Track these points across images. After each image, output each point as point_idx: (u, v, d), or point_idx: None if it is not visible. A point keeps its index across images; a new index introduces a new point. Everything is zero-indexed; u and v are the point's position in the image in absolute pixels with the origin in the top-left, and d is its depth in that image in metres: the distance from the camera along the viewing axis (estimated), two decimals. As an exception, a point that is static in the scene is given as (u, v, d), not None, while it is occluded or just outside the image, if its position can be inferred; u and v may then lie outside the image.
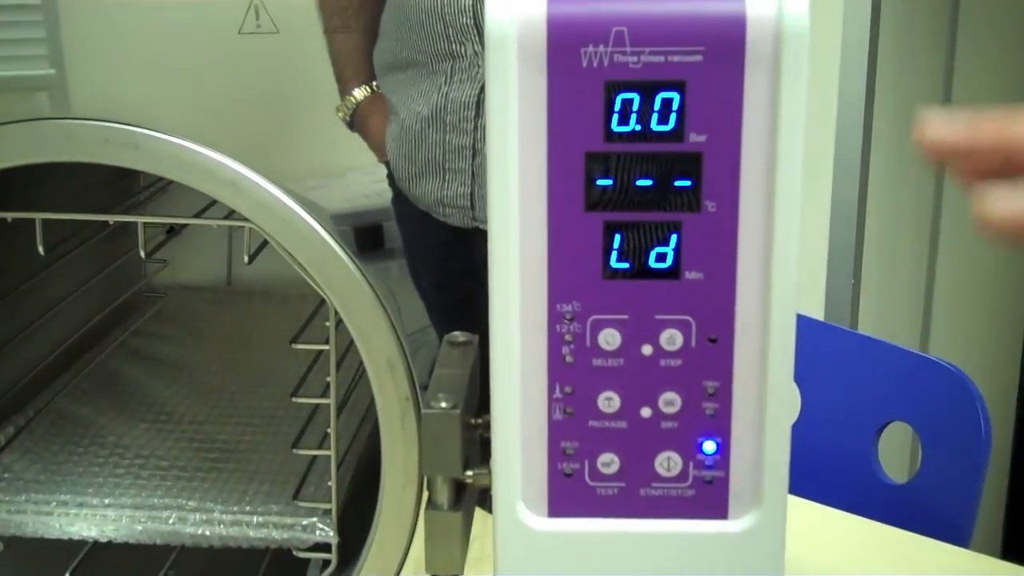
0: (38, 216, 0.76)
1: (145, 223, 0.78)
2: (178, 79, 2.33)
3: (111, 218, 0.79)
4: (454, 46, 1.35)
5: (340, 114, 1.61)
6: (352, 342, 0.73)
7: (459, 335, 0.71)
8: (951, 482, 1.28)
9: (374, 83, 1.57)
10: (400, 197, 1.54)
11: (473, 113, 1.36)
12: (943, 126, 0.46)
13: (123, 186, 1.08)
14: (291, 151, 2.34)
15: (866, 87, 1.97)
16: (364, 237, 2.04)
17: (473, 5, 1.33)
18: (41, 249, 0.76)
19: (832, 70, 1.92)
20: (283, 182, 0.71)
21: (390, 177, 1.55)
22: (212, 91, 2.32)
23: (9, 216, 0.77)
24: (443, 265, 1.56)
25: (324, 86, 1.63)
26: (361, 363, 0.75)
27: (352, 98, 1.59)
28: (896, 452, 2.04)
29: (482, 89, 1.41)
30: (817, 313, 2.01)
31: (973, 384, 1.26)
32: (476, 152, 1.38)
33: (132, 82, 2.36)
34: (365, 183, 2.06)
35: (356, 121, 1.60)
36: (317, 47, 1.62)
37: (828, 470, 1.30)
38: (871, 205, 2.08)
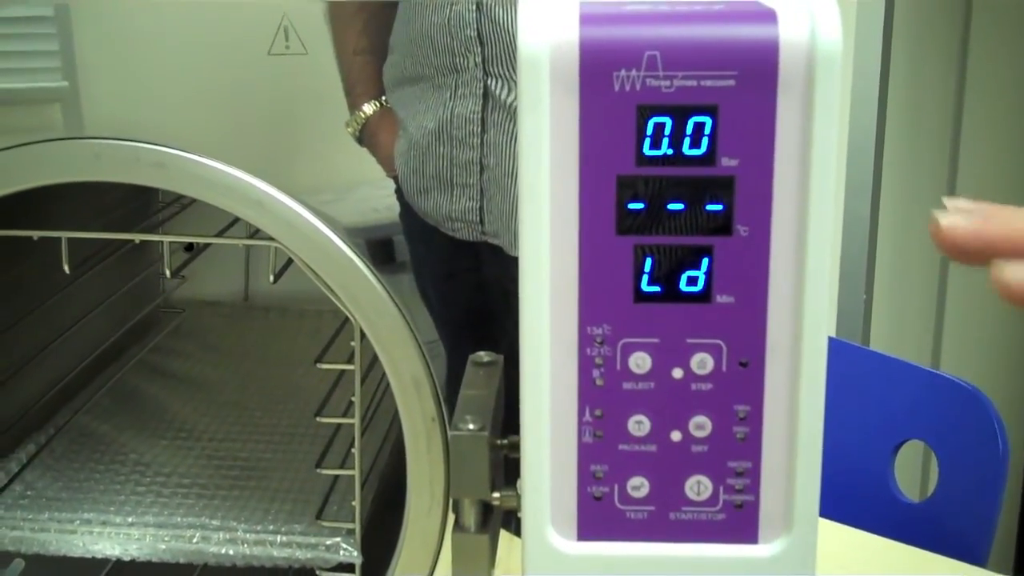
0: (64, 235, 0.76)
1: (169, 242, 0.78)
2: (192, 94, 2.34)
3: (138, 237, 0.79)
4: (458, 59, 1.36)
5: (349, 129, 1.62)
6: (374, 360, 0.73)
7: (484, 355, 0.70)
8: (968, 500, 1.28)
9: (383, 98, 1.57)
10: (408, 212, 1.54)
11: (479, 128, 1.36)
12: (956, 220, 0.46)
13: (142, 203, 1.08)
14: (303, 164, 2.34)
15: (878, 103, 1.97)
16: (376, 251, 2.04)
17: (477, 18, 1.33)
18: (67, 268, 0.76)
19: (844, 86, 1.92)
20: (296, 195, 0.71)
21: (398, 191, 1.56)
22: (225, 106, 2.33)
23: (35, 235, 0.77)
24: (450, 280, 1.56)
25: (335, 99, 1.64)
26: (382, 381, 0.75)
27: (362, 113, 1.59)
28: (913, 471, 2.03)
29: (484, 104, 1.41)
30: (829, 329, 2.01)
31: (989, 402, 1.26)
32: (483, 167, 1.38)
33: (144, 95, 2.36)
34: (377, 197, 2.07)
35: (365, 136, 1.61)
36: (336, 67, 1.63)
37: (844, 489, 1.30)
38: (883, 221, 2.08)
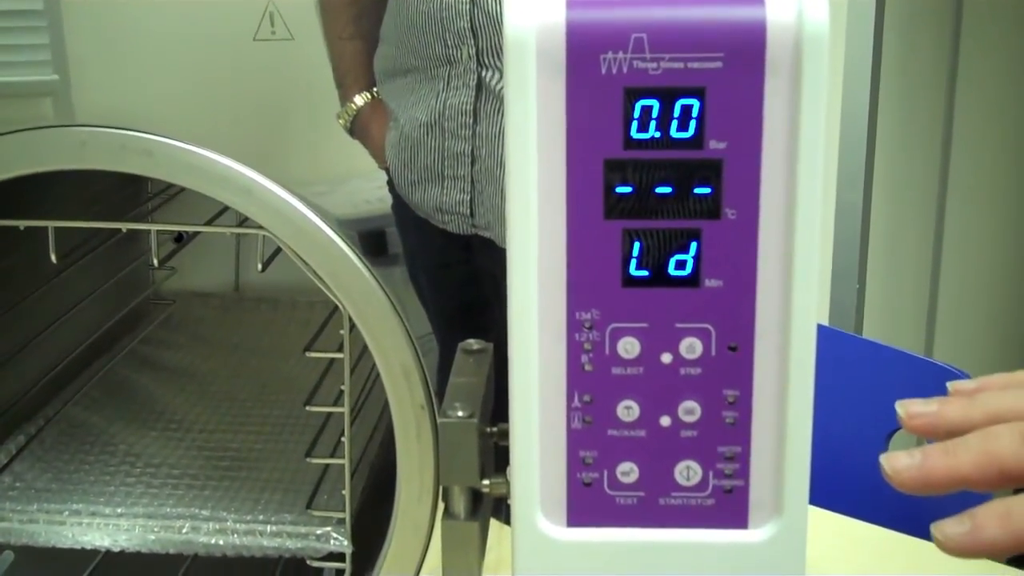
0: (51, 224, 0.75)
1: (157, 231, 0.78)
2: (181, 85, 2.33)
3: (124, 226, 0.78)
4: (451, 51, 1.35)
5: (341, 121, 1.61)
6: (364, 349, 0.73)
7: (473, 343, 0.70)
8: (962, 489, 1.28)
9: (374, 89, 1.57)
10: (400, 203, 1.54)
11: (471, 119, 1.36)
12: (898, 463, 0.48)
13: (131, 193, 1.07)
14: (295, 157, 2.34)
15: (870, 93, 1.97)
16: (368, 243, 2.03)
17: (470, 9, 1.33)
18: (54, 257, 0.76)
19: (836, 76, 1.92)
20: (288, 187, 0.71)
21: (390, 183, 1.55)
22: (215, 96, 2.32)
23: (21, 224, 0.76)
24: (443, 271, 1.56)
25: (327, 92, 1.64)
26: (372, 370, 0.75)
27: (353, 105, 1.59)
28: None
29: (478, 95, 1.41)
30: (822, 318, 2.01)
31: (982, 390, 1.26)
32: (475, 159, 1.37)
33: (135, 86, 2.36)
34: (369, 189, 2.07)
35: (356, 128, 1.60)
36: (323, 53, 1.62)
37: (837, 478, 1.29)
38: (875, 210, 2.08)
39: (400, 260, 1.66)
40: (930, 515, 1.27)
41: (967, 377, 1.27)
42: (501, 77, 1.32)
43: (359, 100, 1.59)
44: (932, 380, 1.32)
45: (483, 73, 1.35)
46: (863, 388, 1.37)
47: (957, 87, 2.21)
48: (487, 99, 1.36)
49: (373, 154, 1.60)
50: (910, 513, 1.30)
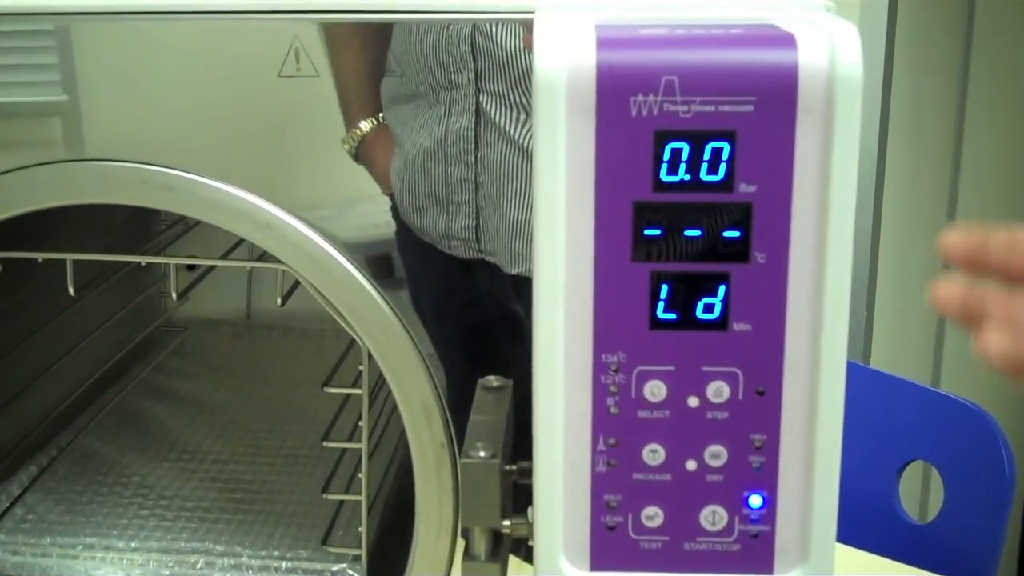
0: (69, 257, 0.75)
1: (175, 264, 0.78)
2: (193, 109, 2.33)
3: (144, 259, 0.78)
4: (452, 75, 1.35)
5: (346, 146, 1.61)
6: (379, 383, 0.72)
7: (493, 380, 0.70)
8: (974, 521, 1.27)
9: (380, 115, 1.56)
10: (404, 229, 1.53)
11: (472, 145, 1.36)
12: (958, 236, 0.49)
13: (144, 223, 1.07)
14: (302, 179, 2.33)
15: (879, 121, 1.96)
16: (375, 266, 2.03)
17: (471, 33, 1.33)
18: (71, 290, 0.75)
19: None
20: (297, 212, 0.70)
21: (394, 209, 1.55)
22: (222, 118, 2.32)
23: (40, 256, 0.76)
24: (447, 297, 1.55)
25: (335, 113, 1.63)
26: (386, 402, 0.74)
27: (358, 130, 1.58)
28: (917, 491, 2.02)
29: (477, 121, 1.40)
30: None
31: (995, 422, 1.25)
32: (479, 185, 1.37)
33: (146, 111, 2.36)
34: (377, 213, 2.06)
35: (361, 153, 1.59)
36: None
37: (848, 509, 1.28)
38: (884, 238, 2.08)
39: (407, 284, 1.65)
40: (941, 549, 1.27)
41: (980, 409, 1.27)
42: (498, 103, 1.31)
43: (364, 126, 1.58)
44: (944, 412, 1.31)
45: (481, 98, 1.35)
46: (874, 419, 1.36)
47: (967, 115, 2.21)
48: (486, 125, 1.35)
49: (377, 180, 1.59)
50: (920, 545, 1.30)
